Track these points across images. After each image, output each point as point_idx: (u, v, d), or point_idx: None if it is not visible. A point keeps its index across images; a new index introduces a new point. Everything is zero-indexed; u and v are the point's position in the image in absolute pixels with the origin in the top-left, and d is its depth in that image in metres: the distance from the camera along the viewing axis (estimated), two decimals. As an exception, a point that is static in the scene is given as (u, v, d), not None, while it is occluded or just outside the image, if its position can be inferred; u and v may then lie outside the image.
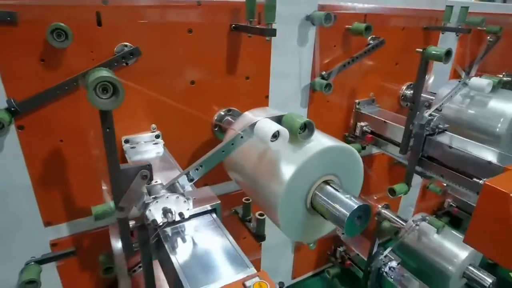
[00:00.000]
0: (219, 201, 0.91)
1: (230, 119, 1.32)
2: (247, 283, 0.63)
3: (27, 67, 0.96)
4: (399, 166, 1.97)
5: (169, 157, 1.14)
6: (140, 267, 1.14)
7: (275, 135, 0.85)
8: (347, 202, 0.81)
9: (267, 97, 1.39)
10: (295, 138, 0.88)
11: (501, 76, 2.34)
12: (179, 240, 0.81)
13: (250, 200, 1.27)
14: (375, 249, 1.67)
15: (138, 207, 0.79)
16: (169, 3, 1.09)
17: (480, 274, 1.67)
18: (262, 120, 0.90)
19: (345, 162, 0.94)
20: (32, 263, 1.14)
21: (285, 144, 0.86)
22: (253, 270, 0.69)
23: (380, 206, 2.06)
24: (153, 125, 1.20)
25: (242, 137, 0.91)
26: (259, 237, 1.26)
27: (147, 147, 1.18)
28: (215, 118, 1.32)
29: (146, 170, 0.79)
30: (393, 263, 1.66)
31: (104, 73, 0.67)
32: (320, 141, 0.91)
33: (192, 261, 0.74)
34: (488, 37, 2.01)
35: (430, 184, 2.30)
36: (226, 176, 1.19)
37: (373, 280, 1.70)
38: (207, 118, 1.30)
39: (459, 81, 1.69)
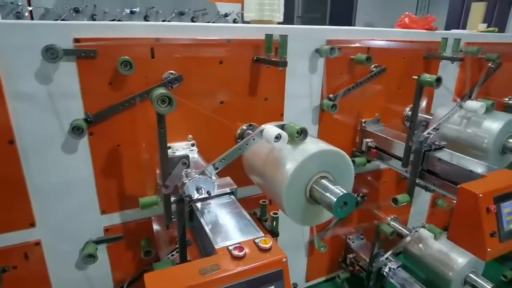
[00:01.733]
0: (236, 186, 1.22)
1: (250, 132, 1.60)
2: (256, 240, 0.89)
3: (99, 89, 1.30)
4: (406, 181, 2.16)
5: (202, 161, 1.43)
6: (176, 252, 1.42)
7: (278, 137, 1.13)
8: (335, 191, 1.05)
9: (282, 115, 1.67)
10: (294, 141, 1.17)
11: (507, 99, 2.52)
12: (207, 212, 1.09)
13: (266, 202, 1.53)
14: (375, 251, 1.85)
15: (179, 185, 1.09)
16: (206, 42, 1.41)
17: (480, 281, 1.80)
18: (268, 126, 1.19)
19: (338, 163, 1.19)
20: (91, 242, 1.45)
21: (286, 145, 1.13)
22: (261, 233, 0.94)
23: (389, 218, 2.24)
24: (190, 136, 1.50)
25: (254, 139, 1.21)
26: (274, 233, 1.50)
27: (185, 153, 1.47)
28: (238, 131, 1.60)
29: (185, 159, 1.12)
30: (393, 264, 1.83)
31: (163, 90, 0.98)
32: (318, 145, 1.17)
33: (217, 226, 1.01)
34: (489, 64, 2.21)
35: (438, 200, 2.45)
36: (248, 181, 1.47)
37: (374, 279, 1.87)
38: (232, 131, 1.59)
39: (456, 104, 1.90)
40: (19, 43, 1.17)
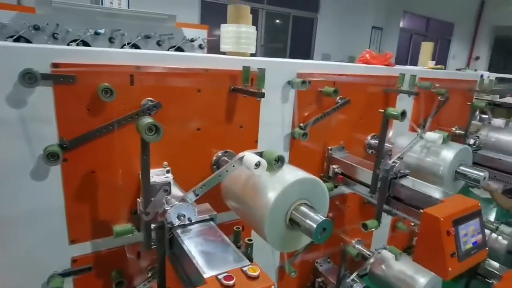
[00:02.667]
0: (216, 212, 1.25)
1: (226, 158, 1.63)
2: (244, 268, 0.91)
3: (76, 114, 1.27)
4: (369, 205, 2.29)
5: (177, 188, 1.42)
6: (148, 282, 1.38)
7: (257, 164, 1.18)
8: (314, 218, 1.11)
9: (256, 141, 1.72)
10: (271, 168, 1.23)
11: (454, 129, 2.79)
12: (189, 239, 1.10)
13: (240, 229, 1.56)
14: (342, 272, 1.93)
15: (160, 211, 1.09)
16: (184, 71, 1.45)
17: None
18: (248, 154, 1.24)
19: (315, 190, 1.25)
20: (56, 275, 1.36)
21: (265, 173, 1.18)
22: (247, 261, 0.96)
23: (354, 241, 2.33)
24: (165, 162, 1.49)
25: (233, 166, 1.25)
26: (248, 259, 1.52)
27: (160, 179, 1.46)
28: (214, 158, 1.63)
29: (167, 186, 1.12)
30: (359, 285, 1.92)
31: (150, 119, 0.99)
32: (296, 173, 1.23)
33: (202, 253, 1.01)
34: (439, 97, 2.45)
35: (398, 223, 2.61)
36: (222, 207, 1.48)
37: None
38: (208, 157, 1.61)
39: (417, 134, 2.08)
40: (-7, 65, 1.13)
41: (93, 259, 1.43)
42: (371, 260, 2.15)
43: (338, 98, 1.95)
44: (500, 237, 2.38)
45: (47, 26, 3.58)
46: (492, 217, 3.64)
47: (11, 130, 1.19)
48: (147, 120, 1.02)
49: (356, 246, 2.28)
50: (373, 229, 1.73)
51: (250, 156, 1.24)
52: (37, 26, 3.49)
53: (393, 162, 1.72)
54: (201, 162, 1.60)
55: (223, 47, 1.71)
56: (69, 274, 1.39)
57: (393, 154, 1.94)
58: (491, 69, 11.76)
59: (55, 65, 1.21)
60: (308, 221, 1.11)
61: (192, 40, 4.36)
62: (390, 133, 2.32)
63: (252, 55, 1.75)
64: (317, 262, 2.24)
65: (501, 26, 12.91)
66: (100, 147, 1.33)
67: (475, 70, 9.41)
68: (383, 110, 1.67)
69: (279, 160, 1.29)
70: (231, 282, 0.85)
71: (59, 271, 1.38)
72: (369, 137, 2.22)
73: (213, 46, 4.46)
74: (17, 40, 3.35)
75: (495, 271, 2.26)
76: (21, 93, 1.17)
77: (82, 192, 1.35)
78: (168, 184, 1.21)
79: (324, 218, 1.10)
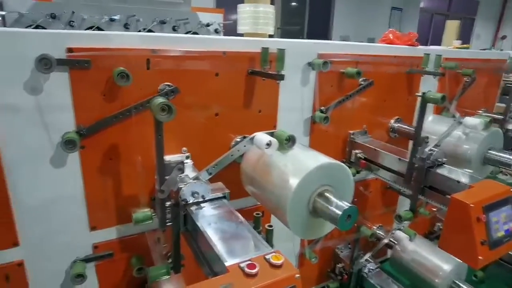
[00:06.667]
0: (229, 191, 1.26)
1: (244, 144, 1.59)
2: (267, 256, 0.87)
3: (92, 100, 1.25)
4: (391, 190, 2.22)
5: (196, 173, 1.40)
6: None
7: (268, 143, 1.16)
8: (339, 205, 1.06)
9: (275, 126, 1.67)
10: (283, 147, 1.22)
11: (480, 112, 2.65)
12: (205, 218, 1.10)
13: (260, 214, 1.53)
14: (355, 253, 1.90)
15: (174, 189, 1.11)
16: (202, 54, 1.40)
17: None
18: (259, 134, 1.21)
19: (338, 175, 1.20)
20: (79, 261, 1.37)
21: (285, 156, 1.20)
22: (270, 248, 0.93)
23: (375, 227, 2.28)
24: (184, 148, 1.47)
25: (244, 145, 1.28)
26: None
27: (174, 158, 1.44)
28: (232, 143, 1.59)
29: (180, 165, 1.18)
30: (372, 265, 1.90)
31: (163, 99, 1.01)
32: (319, 158, 1.18)
33: (221, 237, 1.00)
34: (465, 78, 2.33)
35: (420, 208, 2.52)
36: (244, 193, 1.45)
37: (355, 282, 1.91)
38: (226, 143, 1.57)
39: (454, 120, 1.97)
40: (9, 52, 1.11)
41: (114, 245, 1.44)
42: (385, 241, 2.10)
43: (360, 79, 1.87)
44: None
45: (64, 14, 3.58)
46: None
47: (30, 117, 1.18)
48: (160, 100, 1.01)
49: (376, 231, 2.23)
50: (407, 221, 1.67)
51: (261, 136, 1.24)
52: (53, 15, 3.50)
53: (430, 150, 1.62)
54: (219, 147, 1.56)
55: (240, 28, 1.66)
56: (91, 260, 1.40)
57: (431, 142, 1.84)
58: (518, 48, 11.21)
59: (69, 50, 1.18)
60: (332, 208, 1.07)
61: (207, 25, 4.29)
62: (412, 116, 2.22)
63: (270, 36, 1.69)
64: (337, 248, 2.21)
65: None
66: (117, 133, 1.32)
67: (501, 50, 8.99)
68: (421, 94, 1.58)
69: (290, 140, 1.27)
70: (254, 271, 0.82)
71: (81, 257, 1.39)
72: (392, 121, 2.14)
73: (229, 30, 4.38)
74: (35, 29, 3.37)
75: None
76: (38, 80, 1.16)
77: (101, 179, 1.34)
78: (182, 163, 1.22)
79: (349, 205, 1.05)
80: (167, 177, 1.14)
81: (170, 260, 1.37)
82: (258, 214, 1.52)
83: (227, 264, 0.86)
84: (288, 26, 9.01)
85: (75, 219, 1.35)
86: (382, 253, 2.31)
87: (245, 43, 1.53)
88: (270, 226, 1.50)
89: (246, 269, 0.82)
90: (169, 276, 1.25)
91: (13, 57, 1.12)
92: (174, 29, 4.08)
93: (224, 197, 1.25)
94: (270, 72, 1.44)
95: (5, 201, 1.21)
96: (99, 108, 1.26)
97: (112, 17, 3.73)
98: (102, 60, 1.23)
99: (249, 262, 0.85)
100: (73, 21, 3.63)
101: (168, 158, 1.42)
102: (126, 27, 3.84)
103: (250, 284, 0.79)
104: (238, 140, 1.60)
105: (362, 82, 1.89)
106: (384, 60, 1.97)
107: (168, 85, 1.35)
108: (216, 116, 1.51)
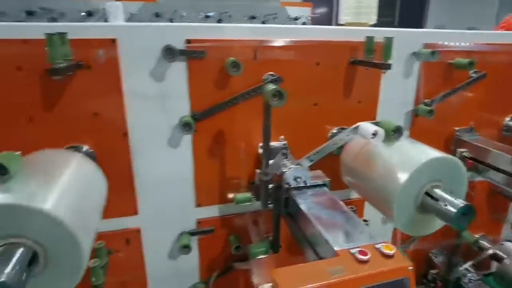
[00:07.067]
0: (329, 179, 1.28)
1: (342, 135, 1.58)
2: (377, 246, 0.86)
3: (205, 88, 1.36)
4: (500, 195, 1.99)
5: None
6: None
7: (374, 133, 1.12)
8: (454, 202, 1.00)
9: (374, 118, 1.62)
10: (388, 138, 1.17)
11: None
12: (304, 200, 1.12)
13: (355, 208, 1.52)
14: (454, 260, 1.75)
15: (278, 173, 1.17)
16: (305, 44, 1.42)
17: None
18: (364, 123, 1.19)
19: (450, 171, 1.12)
20: (185, 233, 1.52)
21: (392, 148, 1.16)
22: (378, 239, 0.92)
23: (477, 235, 2.07)
24: (282, 136, 1.51)
25: (347, 135, 1.25)
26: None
27: (279, 144, 1.49)
28: (329, 134, 1.59)
29: (285, 150, 1.25)
30: (473, 276, 1.72)
31: (275, 85, 1.07)
32: (430, 152, 1.11)
33: (321, 219, 1.01)
34: None
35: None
36: (336, 186, 1.45)
37: None
38: (324, 133, 1.58)
39: None
40: (139, 44, 1.27)
41: (215, 222, 1.55)
42: (491, 251, 1.88)
43: (471, 71, 1.70)
44: None
45: (165, 12, 3.93)
46: None
47: (154, 103, 1.33)
48: (272, 86, 1.07)
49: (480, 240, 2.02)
50: None
51: (366, 125, 1.21)
52: (157, 14, 3.86)
53: None
54: (316, 138, 1.57)
55: (343, 18, 1.66)
56: (195, 233, 1.53)
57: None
58: None
59: (188, 41, 1.30)
60: (446, 205, 1.00)
61: (296, 19, 4.32)
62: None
63: (372, 25, 1.63)
64: (431, 253, 2.06)
65: None
66: (224, 119, 1.41)
67: None
68: None
69: (397, 130, 1.22)
70: (366, 257, 0.82)
71: (186, 230, 1.53)
72: (507, 118, 1.91)
73: (317, 24, 4.34)
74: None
75: None
76: (161, 69, 1.30)
77: (208, 161, 1.46)
78: (286, 148, 1.30)
79: (464, 203, 0.98)
80: (271, 161, 1.20)
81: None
82: (352, 208, 1.50)
83: (336, 248, 0.87)
84: (379, 18, 8.57)
85: (184, 195, 1.49)
86: (484, 266, 2.09)
87: (348, 32, 1.51)
88: (366, 220, 1.48)
89: (358, 255, 0.82)
90: (267, 255, 1.31)
91: (142, 48, 1.27)
92: (263, 24, 4.19)
93: (325, 185, 1.26)
94: (375, 61, 1.40)
95: (130, 176, 1.39)
96: (210, 96, 1.37)
97: (207, 14, 3.98)
98: (215, 50, 1.33)
99: (360, 248, 0.85)
100: (173, 19, 3.96)
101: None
102: (219, 22, 4.07)
103: (362, 269, 0.79)
104: (335, 131, 1.59)
105: (473, 74, 1.72)
106: (502, 49, 1.76)
107: (272, 75, 1.40)
108: (314, 106, 1.52)
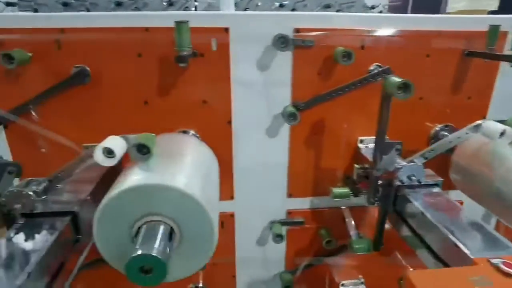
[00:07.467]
0: (442, 179, 1.20)
1: (446, 133, 1.47)
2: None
3: (309, 78, 1.34)
4: None
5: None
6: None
7: (503, 133, 1.01)
8: None
9: (484, 117, 1.49)
10: None
11: None
12: (418, 199, 1.07)
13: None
14: None
15: (390, 169, 1.12)
16: (415, 33, 1.34)
17: None
18: (488, 121, 1.09)
19: None
20: (277, 222, 1.53)
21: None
22: (516, 248, 0.84)
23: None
24: (380, 130, 1.45)
25: (467, 133, 1.16)
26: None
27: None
28: (432, 132, 1.49)
29: (399, 145, 1.26)
30: None
31: (400, 78, 1.02)
32: None
33: (443, 221, 0.95)
34: None
35: None
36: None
37: None
38: (426, 130, 1.48)
39: None
40: (247, 32, 1.28)
41: (306, 214, 1.55)
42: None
43: None
44: None
45: (241, 2, 3.94)
46: None
47: (258, 91, 1.35)
48: (397, 79, 1.02)
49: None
50: None
51: (491, 123, 1.10)
52: (236, 4, 3.89)
53: None
54: (417, 134, 1.49)
55: (453, 6, 1.51)
56: (285, 223, 1.54)
57: None
58: None
59: (297, 30, 1.28)
60: None
61: (372, 7, 4.10)
62: None
63: (490, 12, 1.49)
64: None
65: None
66: (325, 110, 1.38)
67: None
68: None
69: None
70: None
71: (277, 219, 1.55)
72: None
73: (393, 12, 4.09)
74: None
75: None
76: (269, 57, 1.30)
77: (304, 152, 1.44)
78: (400, 143, 1.25)
79: None
80: (384, 156, 1.15)
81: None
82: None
83: (473, 256, 0.81)
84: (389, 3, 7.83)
85: (277, 185, 1.50)
86: None
87: (463, 21, 1.39)
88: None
89: (503, 267, 0.75)
90: (368, 253, 1.28)
91: (252, 36, 1.28)
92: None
93: (437, 184, 1.18)
94: (498, 53, 1.27)
95: (230, 162, 1.42)
96: (313, 86, 1.35)
97: (282, 2, 3.93)
98: (322, 39, 1.29)
99: (505, 260, 0.78)
100: (248, 8, 3.98)
101: (367, 139, 1.46)
102: (293, 11, 4.00)
103: (508, 283, 0.73)
104: (438, 129, 1.49)
105: None
106: None
107: (379, 66, 1.34)
108: (420, 100, 1.43)
